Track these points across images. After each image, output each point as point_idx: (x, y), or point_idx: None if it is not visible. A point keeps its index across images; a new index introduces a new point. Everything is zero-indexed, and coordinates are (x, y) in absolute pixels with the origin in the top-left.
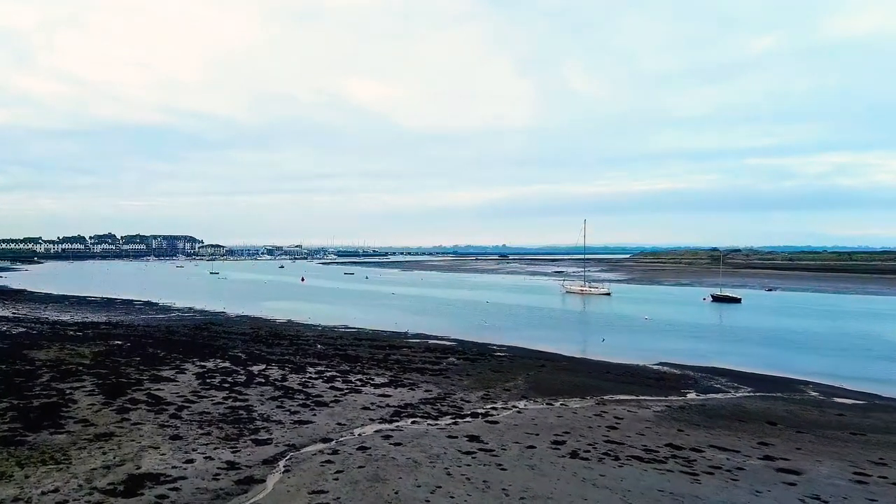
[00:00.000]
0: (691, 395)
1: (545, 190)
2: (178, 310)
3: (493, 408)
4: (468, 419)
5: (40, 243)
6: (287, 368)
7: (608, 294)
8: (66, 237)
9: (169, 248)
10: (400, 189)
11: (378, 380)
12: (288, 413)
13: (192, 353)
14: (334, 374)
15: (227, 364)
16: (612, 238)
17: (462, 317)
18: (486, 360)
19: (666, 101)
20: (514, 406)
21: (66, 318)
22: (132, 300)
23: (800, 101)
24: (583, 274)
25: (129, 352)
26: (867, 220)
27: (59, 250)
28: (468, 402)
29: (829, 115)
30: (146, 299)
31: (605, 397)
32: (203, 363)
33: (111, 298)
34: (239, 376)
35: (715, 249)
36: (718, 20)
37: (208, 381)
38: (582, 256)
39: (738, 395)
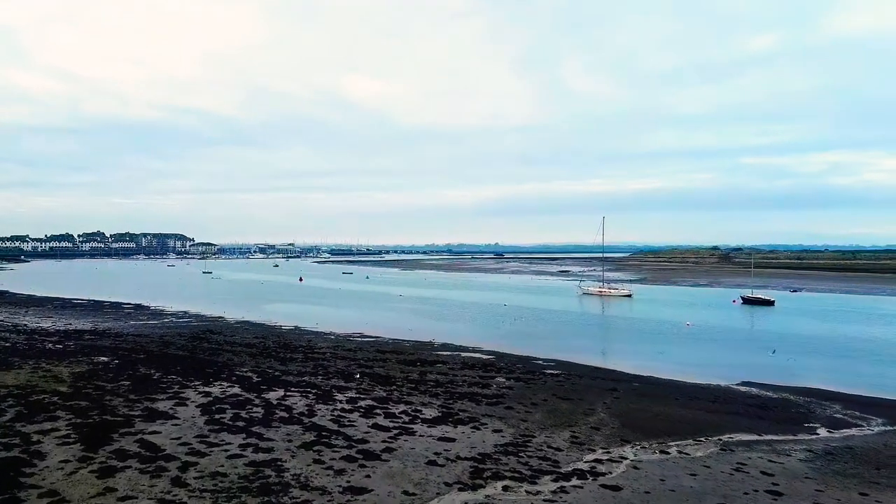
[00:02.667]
0: (822, 433)
1: (540, 189)
2: (172, 314)
3: (597, 460)
4: (575, 481)
5: (28, 241)
6: (311, 395)
7: (629, 296)
8: (55, 235)
9: (159, 246)
10: (394, 187)
11: (427, 412)
12: (332, 473)
13: (193, 372)
14: (371, 402)
15: (236, 389)
16: (607, 237)
17: (485, 322)
18: (541, 381)
19: (664, 100)
20: (621, 456)
21: (47, 325)
22: (121, 303)
23: (796, 100)
24: (601, 274)
25: (117, 372)
26: (860, 219)
27: (47, 248)
28: (558, 449)
29: (825, 114)
30: (137, 302)
31: (723, 437)
32: (207, 388)
33: (99, 301)
34: (254, 408)
35: (716, 248)
36: (718, 19)
37: (217, 416)
38: (588, 256)
39: (875, 429)
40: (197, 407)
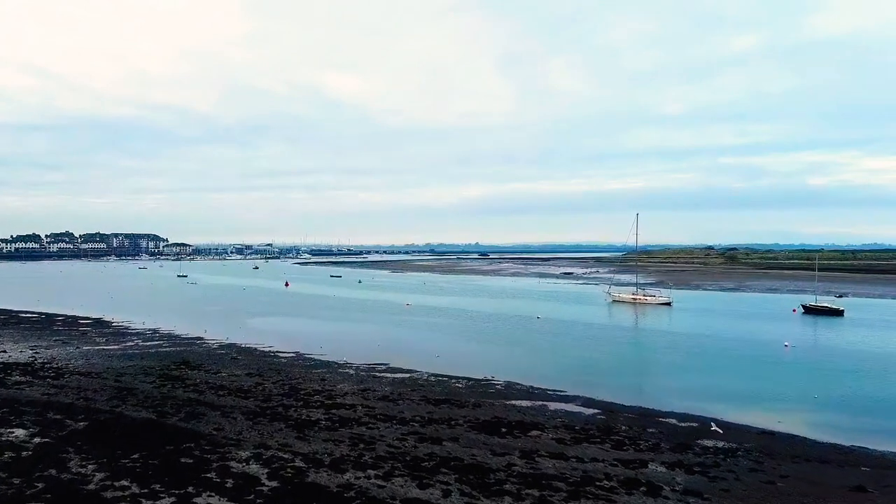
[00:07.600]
0: None
1: (521, 188)
2: (138, 333)
3: None
4: None
5: None
6: None
7: (669, 304)
8: (20, 236)
9: (131, 247)
10: (374, 186)
11: None
12: None
13: (159, 467)
14: None
15: None
16: (586, 236)
17: (531, 344)
18: (726, 470)
19: (644, 99)
20: None
21: None
22: (78, 318)
23: (775, 100)
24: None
25: (29, 472)
26: (835, 218)
27: (12, 250)
28: None
29: (803, 115)
30: (97, 316)
31: None
32: None
33: (51, 315)
34: None
35: (710, 247)
36: (699, 19)
37: None
38: (579, 256)
39: None
40: None
